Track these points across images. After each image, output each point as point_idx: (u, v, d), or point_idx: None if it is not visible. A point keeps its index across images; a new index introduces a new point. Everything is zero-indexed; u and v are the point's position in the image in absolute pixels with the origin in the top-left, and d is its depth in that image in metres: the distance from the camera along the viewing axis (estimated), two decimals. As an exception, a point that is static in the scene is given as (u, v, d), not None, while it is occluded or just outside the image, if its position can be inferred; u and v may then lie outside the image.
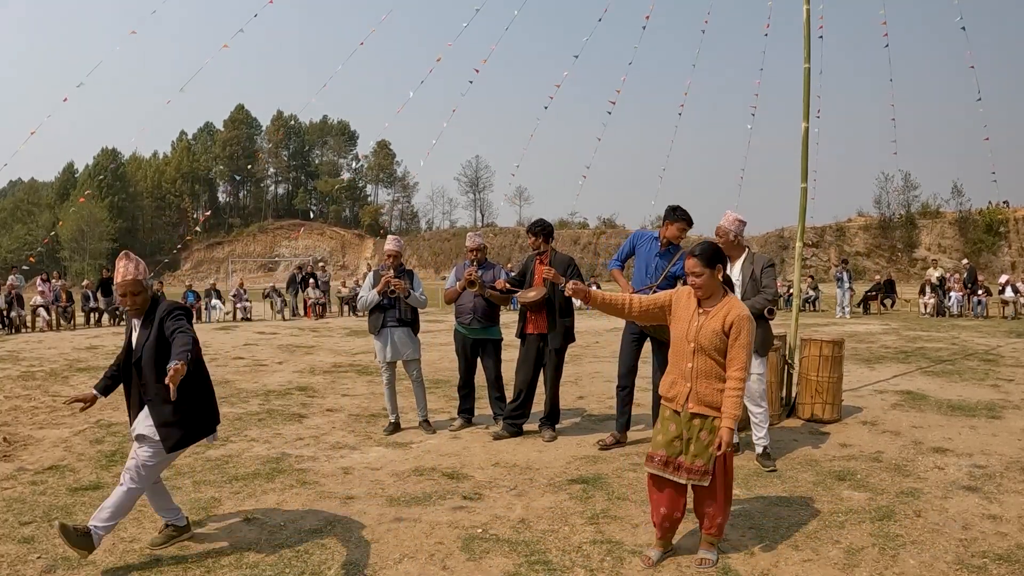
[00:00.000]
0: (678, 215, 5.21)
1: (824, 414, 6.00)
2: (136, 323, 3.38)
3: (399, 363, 5.91)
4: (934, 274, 19.15)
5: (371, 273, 6.07)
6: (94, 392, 3.49)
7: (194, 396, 3.33)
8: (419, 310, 5.93)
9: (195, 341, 3.21)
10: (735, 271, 5.02)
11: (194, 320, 3.71)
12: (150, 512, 3.91)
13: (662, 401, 3.42)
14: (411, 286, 5.74)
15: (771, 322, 5.00)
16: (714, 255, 3.26)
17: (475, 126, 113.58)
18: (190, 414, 3.31)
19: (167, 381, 2.89)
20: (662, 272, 5.19)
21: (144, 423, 3.27)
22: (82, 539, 3.13)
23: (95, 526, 3.18)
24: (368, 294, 5.81)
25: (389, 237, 5.99)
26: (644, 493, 4.18)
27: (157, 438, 3.23)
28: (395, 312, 5.73)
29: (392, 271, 5.73)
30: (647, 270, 5.28)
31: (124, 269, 3.30)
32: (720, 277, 3.30)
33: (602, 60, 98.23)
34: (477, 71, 13.74)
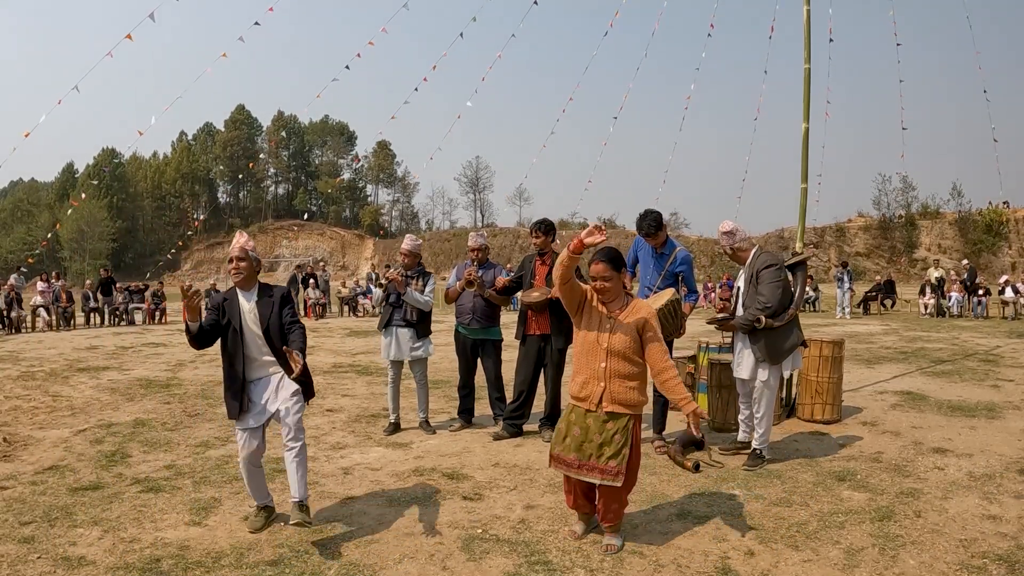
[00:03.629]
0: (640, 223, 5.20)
1: (824, 415, 6.00)
2: (244, 295, 3.74)
3: (405, 364, 5.92)
4: (934, 274, 19.14)
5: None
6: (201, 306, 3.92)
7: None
8: (430, 313, 5.90)
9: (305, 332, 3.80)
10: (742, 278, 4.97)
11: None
12: (151, 512, 3.92)
13: (573, 402, 3.49)
14: (422, 286, 5.74)
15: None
16: (619, 258, 3.40)
17: (476, 126, 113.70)
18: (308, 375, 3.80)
19: (296, 372, 3.50)
20: (660, 272, 5.20)
21: (288, 387, 3.71)
22: None
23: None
24: (378, 290, 6.02)
25: (407, 236, 6.03)
26: (643, 494, 4.22)
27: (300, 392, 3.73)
28: (401, 311, 5.75)
29: (402, 270, 5.74)
30: (647, 271, 5.29)
31: (236, 240, 3.79)
32: (625, 282, 3.45)
33: (603, 62, 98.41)
34: (483, 79, 13.70)
